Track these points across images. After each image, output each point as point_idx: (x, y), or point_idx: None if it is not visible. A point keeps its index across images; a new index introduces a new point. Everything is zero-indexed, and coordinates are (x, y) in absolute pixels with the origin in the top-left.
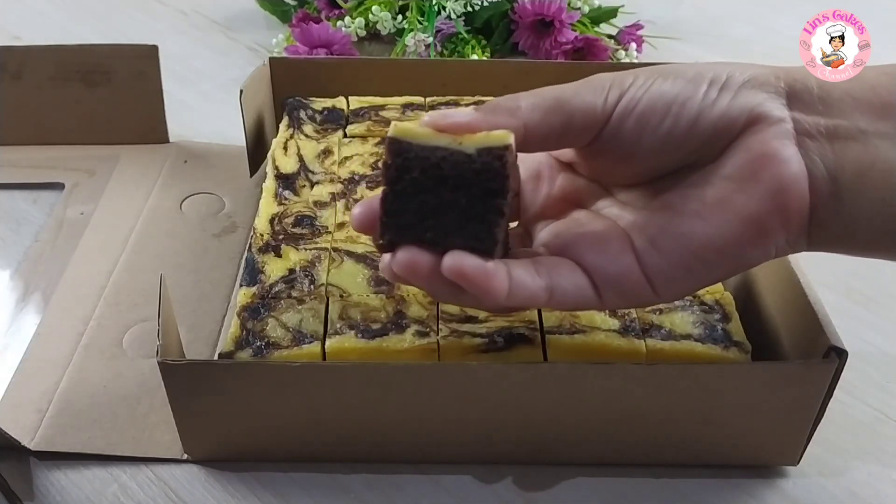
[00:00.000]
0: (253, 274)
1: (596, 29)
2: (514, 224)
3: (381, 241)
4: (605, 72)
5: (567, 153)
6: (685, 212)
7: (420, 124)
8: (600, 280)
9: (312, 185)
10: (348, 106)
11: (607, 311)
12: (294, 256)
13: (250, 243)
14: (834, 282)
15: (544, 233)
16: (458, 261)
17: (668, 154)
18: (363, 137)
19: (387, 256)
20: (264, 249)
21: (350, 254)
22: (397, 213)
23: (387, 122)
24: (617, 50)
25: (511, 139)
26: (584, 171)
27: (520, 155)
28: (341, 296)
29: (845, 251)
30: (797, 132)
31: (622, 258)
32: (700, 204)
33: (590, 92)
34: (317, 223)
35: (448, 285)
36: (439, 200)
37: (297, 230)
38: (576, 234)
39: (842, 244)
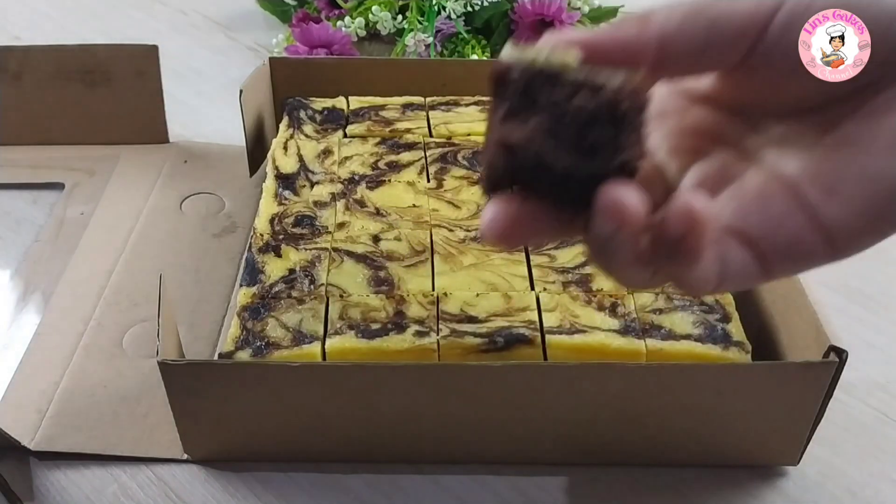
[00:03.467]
0: (253, 274)
1: None
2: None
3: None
4: None
5: (702, 84)
6: (872, 148)
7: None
8: (768, 249)
9: (312, 185)
10: (348, 106)
11: (607, 311)
12: (294, 256)
13: (250, 243)
14: (834, 282)
15: (690, 177)
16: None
17: None
18: (363, 137)
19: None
20: (264, 249)
21: (350, 254)
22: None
23: (387, 122)
24: None
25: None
26: (729, 98)
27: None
28: (341, 296)
29: None
30: None
31: (790, 220)
32: (892, 134)
33: None
34: (317, 223)
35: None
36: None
37: (297, 230)
38: (734, 200)
39: None
